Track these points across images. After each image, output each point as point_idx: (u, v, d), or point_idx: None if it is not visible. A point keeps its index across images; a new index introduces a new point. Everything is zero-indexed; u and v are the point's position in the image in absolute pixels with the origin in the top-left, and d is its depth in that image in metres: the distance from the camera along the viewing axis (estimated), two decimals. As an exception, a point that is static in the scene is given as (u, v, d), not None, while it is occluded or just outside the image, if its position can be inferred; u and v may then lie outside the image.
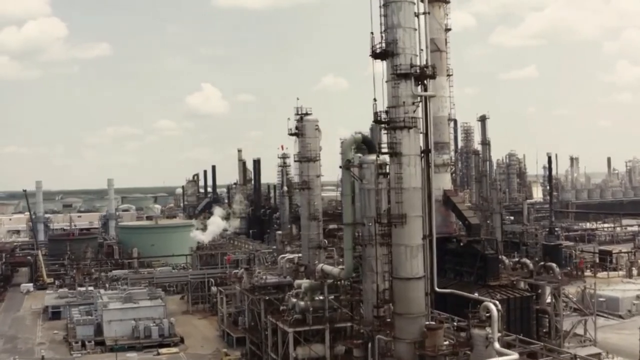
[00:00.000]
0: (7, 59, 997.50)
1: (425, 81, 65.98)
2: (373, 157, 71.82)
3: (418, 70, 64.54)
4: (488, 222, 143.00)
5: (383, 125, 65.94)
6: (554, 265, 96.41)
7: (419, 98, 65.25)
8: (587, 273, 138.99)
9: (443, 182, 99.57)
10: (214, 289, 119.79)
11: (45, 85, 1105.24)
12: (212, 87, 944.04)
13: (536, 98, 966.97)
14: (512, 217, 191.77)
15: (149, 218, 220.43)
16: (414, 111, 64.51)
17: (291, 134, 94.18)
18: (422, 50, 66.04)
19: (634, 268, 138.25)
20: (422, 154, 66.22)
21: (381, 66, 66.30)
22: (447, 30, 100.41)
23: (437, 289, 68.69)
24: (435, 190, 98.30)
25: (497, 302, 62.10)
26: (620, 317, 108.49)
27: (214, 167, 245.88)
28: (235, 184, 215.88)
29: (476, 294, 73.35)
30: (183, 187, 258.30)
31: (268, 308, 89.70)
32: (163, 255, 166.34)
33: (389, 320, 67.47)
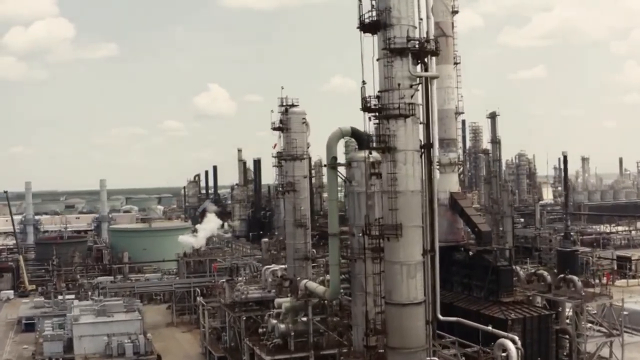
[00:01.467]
0: (14, 60, 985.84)
1: (425, 59, 51.47)
2: (364, 153, 57.25)
3: (417, 45, 50.04)
4: (500, 228, 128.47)
5: (373, 115, 51.33)
6: (575, 278, 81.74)
7: (418, 80, 50.82)
8: (605, 281, 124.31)
9: (450, 183, 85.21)
10: (199, 299, 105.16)
11: (52, 86, 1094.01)
12: (219, 87, 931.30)
13: (544, 98, 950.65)
14: (522, 219, 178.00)
15: (143, 220, 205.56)
16: (412, 96, 50.10)
17: (275, 129, 79.85)
18: (421, 20, 51.43)
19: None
20: (422, 150, 51.64)
21: (372, 42, 51.97)
22: (454, 12, 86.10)
23: (440, 317, 53.86)
24: (441, 193, 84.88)
25: (517, 339, 47.60)
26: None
27: (215, 168, 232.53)
28: (237, 184, 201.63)
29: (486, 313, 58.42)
30: (184, 188, 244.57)
31: (250, 327, 76.21)
32: (155, 260, 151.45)
33: (382, 351, 52.97)
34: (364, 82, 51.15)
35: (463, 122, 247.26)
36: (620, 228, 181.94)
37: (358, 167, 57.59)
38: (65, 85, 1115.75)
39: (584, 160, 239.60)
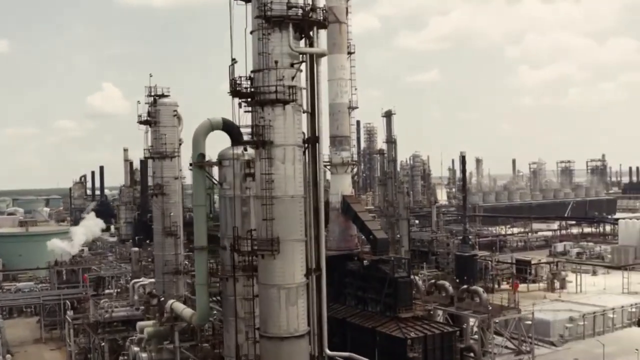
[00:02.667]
0: None
1: (311, 32, 40.25)
2: (238, 150, 45.71)
3: (299, 14, 38.76)
4: (396, 231, 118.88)
5: (244, 101, 39.80)
6: (479, 290, 72.79)
7: (300, 57, 39.51)
8: (505, 286, 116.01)
9: (342, 185, 74.77)
10: (69, 314, 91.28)
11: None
12: (113, 86, 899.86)
13: (440, 101, 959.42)
14: (417, 221, 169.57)
15: (22, 224, 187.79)
16: (294, 78, 38.81)
17: (142, 122, 67.31)
18: (306, -16, 40.25)
19: (556, 281, 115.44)
20: (306, 145, 40.49)
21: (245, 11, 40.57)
22: (349, -4, 75.64)
23: (328, 352, 42.61)
24: (333, 196, 74.09)
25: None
26: (553, 344, 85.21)
27: (101, 168, 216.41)
28: (124, 185, 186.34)
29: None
30: (70, 189, 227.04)
31: (116, 349, 64.24)
32: (29, 268, 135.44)
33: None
34: (233, 61, 39.64)
35: (358, 122, 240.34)
36: (515, 230, 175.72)
37: (230, 166, 46.03)
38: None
39: (478, 161, 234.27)
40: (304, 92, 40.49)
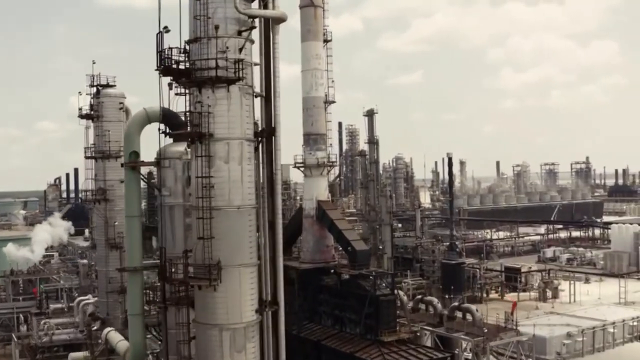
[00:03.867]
0: None
1: (266, -9, 29.90)
2: (181, 147, 35.33)
3: (249, -36, 28.45)
4: (378, 237, 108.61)
5: (175, 81, 29.26)
6: (472, 308, 62.81)
7: (251, 22, 29.08)
8: (493, 295, 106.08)
9: (317, 189, 64.96)
10: (22, 329, 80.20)
11: None
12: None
13: (424, 103, 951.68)
14: (400, 225, 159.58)
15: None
16: (242, 50, 28.45)
17: (82, 116, 56.58)
18: None
19: (548, 289, 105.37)
20: (259, 139, 30.03)
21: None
22: (325, -25, 65.75)
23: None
24: (307, 202, 63.91)
25: None
26: (549, 363, 75.18)
27: (76, 170, 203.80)
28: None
29: None
30: (45, 191, 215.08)
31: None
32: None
33: None
34: (164, 29, 29.07)
35: (340, 124, 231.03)
36: (501, 234, 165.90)
37: (171, 167, 35.60)
38: None
39: (462, 163, 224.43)
40: (257, 69, 30.06)
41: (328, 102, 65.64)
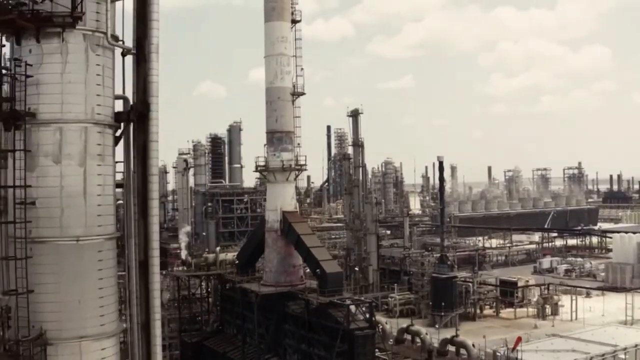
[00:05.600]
0: None
1: None
2: None
3: None
4: (363, 247, 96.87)
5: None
6: (467, 343, 50.56)
7: None
8: (487, 311, 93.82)
9: (283, 199, 52.55)
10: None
11: None
12: None
13: (413, 108, 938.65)
14: (388, 232, 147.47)
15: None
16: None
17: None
18: None
19: (547, 306, 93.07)
20: (126, 124, 17.51)
21: None
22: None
23: None
24: (271, 212, 51.75)
25: None
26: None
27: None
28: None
29: None
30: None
31: None
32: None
33: None
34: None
35: (328, 127, 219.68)
36: (494, 241, 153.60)
37: None
38: None
39: (453, 168, 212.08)
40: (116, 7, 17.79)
41: (296, 93, 53.54)
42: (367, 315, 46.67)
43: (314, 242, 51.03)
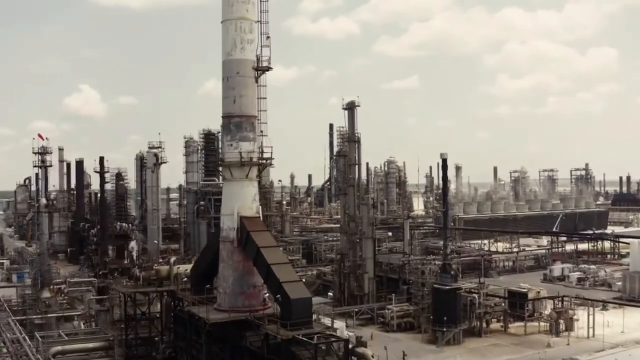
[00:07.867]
0: None
1: None
2: None
3: None
4: (359, 253, 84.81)
5: None
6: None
7: None
8: (495, 325, 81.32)
9: (242, 200, 39.71)
10: None
11: None
12: (90, 89, 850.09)
13: (419, 109, 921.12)
14: (390, 234, 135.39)
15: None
16: None
17: None
18: None
19: (561, 321, 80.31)
20: None
21: None
22: None
23: None
24: (226, 218, 38.87)
25: None
26: None
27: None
28: (59, 190, 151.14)
29: None
30: (15, 192, 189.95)
31: None
32: None
33: None
34: None
35: (331, 126, 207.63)
36: (500, 245, 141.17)
37: None
38: None
39: (458, 169, 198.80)
40: None
41: (261, 69, 40.97)
42: (341, 354, 34.31)
43: (278, 257, 38.33)
